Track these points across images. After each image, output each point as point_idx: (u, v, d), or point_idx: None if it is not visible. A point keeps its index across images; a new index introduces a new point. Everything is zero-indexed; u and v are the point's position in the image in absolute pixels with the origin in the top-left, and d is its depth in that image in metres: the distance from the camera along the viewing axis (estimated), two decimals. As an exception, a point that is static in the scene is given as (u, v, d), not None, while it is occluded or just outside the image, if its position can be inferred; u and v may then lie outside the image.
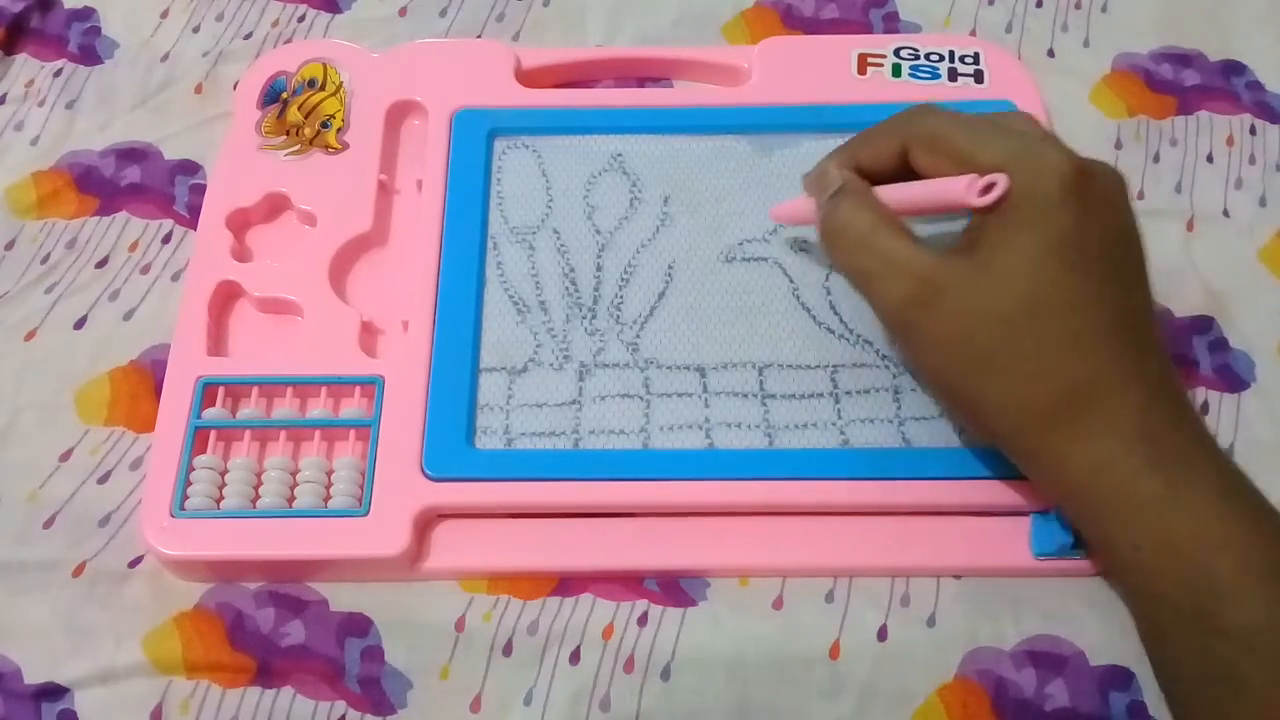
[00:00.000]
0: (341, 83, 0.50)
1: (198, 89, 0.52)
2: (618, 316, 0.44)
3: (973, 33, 0.54)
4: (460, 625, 0.40)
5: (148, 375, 0.45)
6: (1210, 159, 0.50)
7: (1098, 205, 0.35)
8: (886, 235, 0.37)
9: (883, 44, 0.51)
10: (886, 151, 0.39)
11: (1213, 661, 0.32)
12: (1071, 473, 0.35)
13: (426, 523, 0.41)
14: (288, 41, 0.54)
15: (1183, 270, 0.47)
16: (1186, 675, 0.34)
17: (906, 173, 0.39)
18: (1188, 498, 0.33)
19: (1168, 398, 0.35)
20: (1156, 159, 0.50)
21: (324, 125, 0.49)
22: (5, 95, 0.52)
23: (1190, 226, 0.48)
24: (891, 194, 0.38)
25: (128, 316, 0.46)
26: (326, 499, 0.41)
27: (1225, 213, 0.49)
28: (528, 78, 0.50)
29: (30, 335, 0.46)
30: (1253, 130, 0.51)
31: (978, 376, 0.35)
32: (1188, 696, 0.34)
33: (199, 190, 0.49)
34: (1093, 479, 0.34)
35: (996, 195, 0.35)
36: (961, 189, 0.35)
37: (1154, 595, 0.34)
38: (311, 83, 0.50)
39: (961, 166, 0.36)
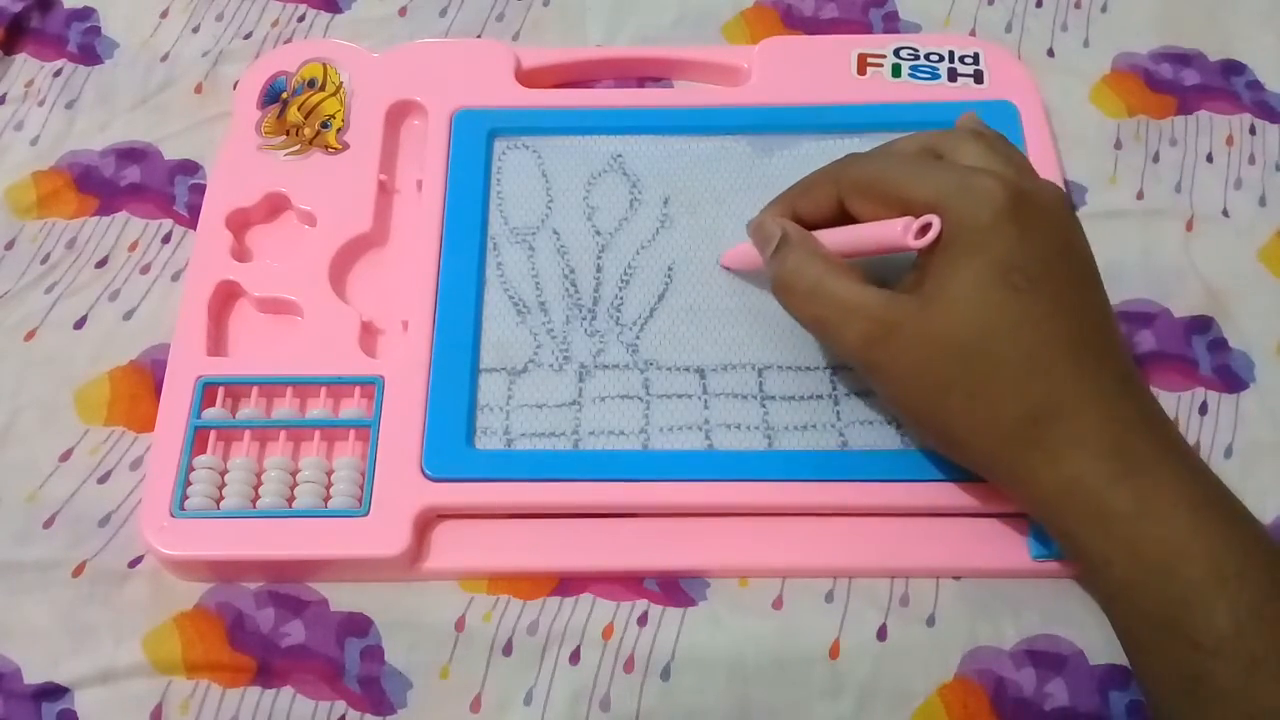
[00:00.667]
0: (341, 83, 0.50)
1: (198, 89, 0.52)
2: (617, 317, 0.44)
3: (973, 33, 0.54)
4: (460, 625, 0.40)
5: (148, 375, 0.45)
6: (1210, 159, 0.50)
7: (1035, 223, 0.35)
8: (835, 281, 0.37)
9: (883, 44, 0.51)
10: (824, 201, 0.40)
11: (1187, 670, 0.33)
12: (1042, 490, 0.35)
13: (426, 523, 0.41)
14: (288, 41, 0.54)
15: (1182, 270, 0.47)
16: (1163, 683, 0.34)
17: (845, 220, 0.39)
18: (1157, 510, 0.33)
19: (1134, 407, 0.35)
20: (1156, 159, 0.50)
21: (324, 125, 0.49)
22: (5, 95, 0.52)
23: (1190, 226, 0.48)
24: (832, 239, 0.39)
25: (128, 316, 0.46)
26: (326, 499, 0.41)
27: (1225, 212, 0.49)
28: (528, 78, 0.50)
29: (30, 335, 0.46)
30: (1252, 130, 0.51)
31: (942, 405, 0.36)
32: (1165, 703, 0.34)
33: (199, 190, 0.49)
34: (1062, 495, 0.35)
35: (933, 236, 0.35)
36: (898, 232, 0.36)
37: (1127, 606, 0.34)
38: (311, 83, 0.50)
39: (897, 209, 0.37)
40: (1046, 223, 0.36)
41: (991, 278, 0.35)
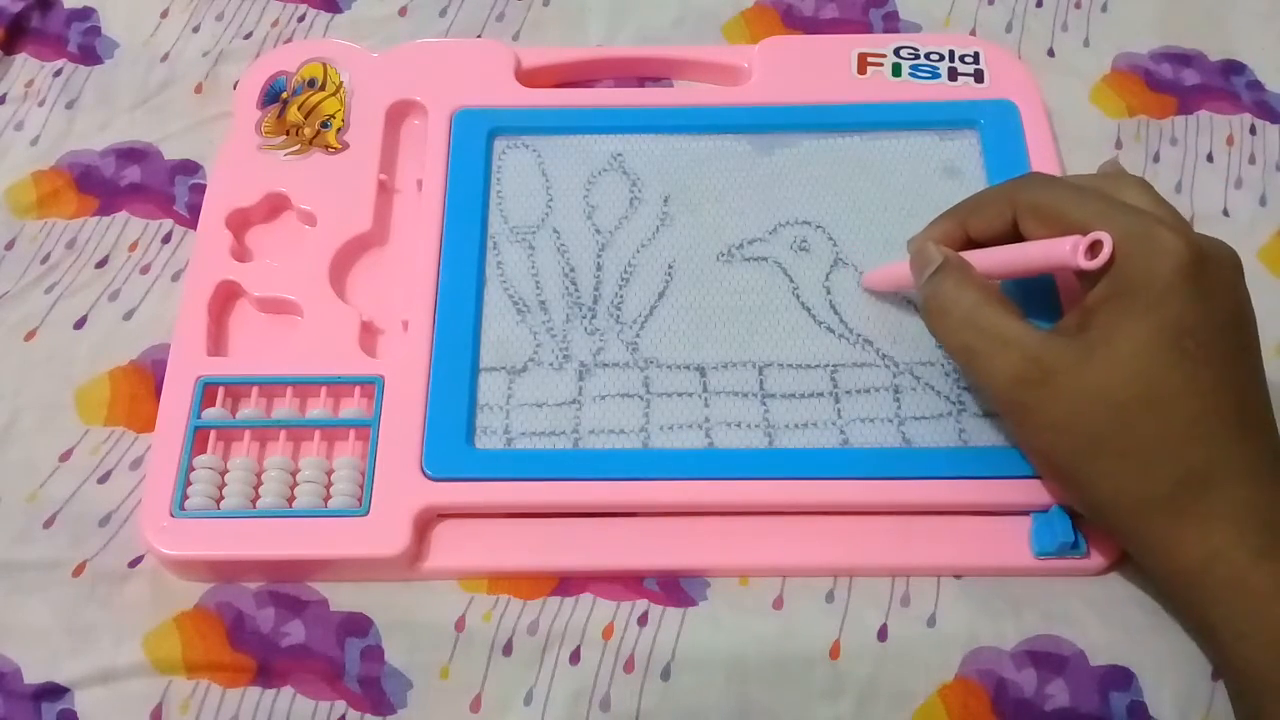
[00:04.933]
0: (341, 82, 0.50)
1: (198, 89, 0.52)
2: (618, 316, 0.44)
3: (973, 32, 0.54)
4: (460, 625, 0.40)
5: (148, 375, 0.45)
6: (1210, 159, 0.50)
7: (1213, 289, 0.34)
8: (993, 311, 0.37)
9: (883, 44, 0.51)
10: (997, 220, 0.39)
11: None
12: (1181, 559, 0.34)
13: (426, 523, 0.41)
14: (288, 41, 0.54)
15: (1183, 270, 0.47)
16: None
17: (1013, 240, 0.39)
18: None
19: None
20: (1156, 159, 0.50)
21: (324, 125, 0.49)
22: (5, 95, 0.52)
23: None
24: (992, 256, 0.38)
25: (128, 316, 0.46)
26: (326, 499, 0.41)
27: (1225, 212, 0.48)
28: (528, 77, 0.50)
29: (30, 335, 0.46)
30: (1253, 130, 0.51)
31: (1089, 461, 0.35)
32: None
33: (199, 190, 0.49)
34: (1203, 567, 0.34)
35: (1104, 258, 0.34)
36: (1066, 251, 0.35)
37: (1257, 681, 0.34)
38: (311, 82, 0.50)
39: None
40: (1223, 287, 0.35)
41: (1163, 338, 0.34)
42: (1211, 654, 0.38)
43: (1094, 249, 0.35)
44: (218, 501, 0.41)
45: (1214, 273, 0.35)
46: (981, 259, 0.39)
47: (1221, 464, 0.34)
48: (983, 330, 0.37)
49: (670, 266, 0.45)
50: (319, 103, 0.49)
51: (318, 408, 0.42)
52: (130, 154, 0.50)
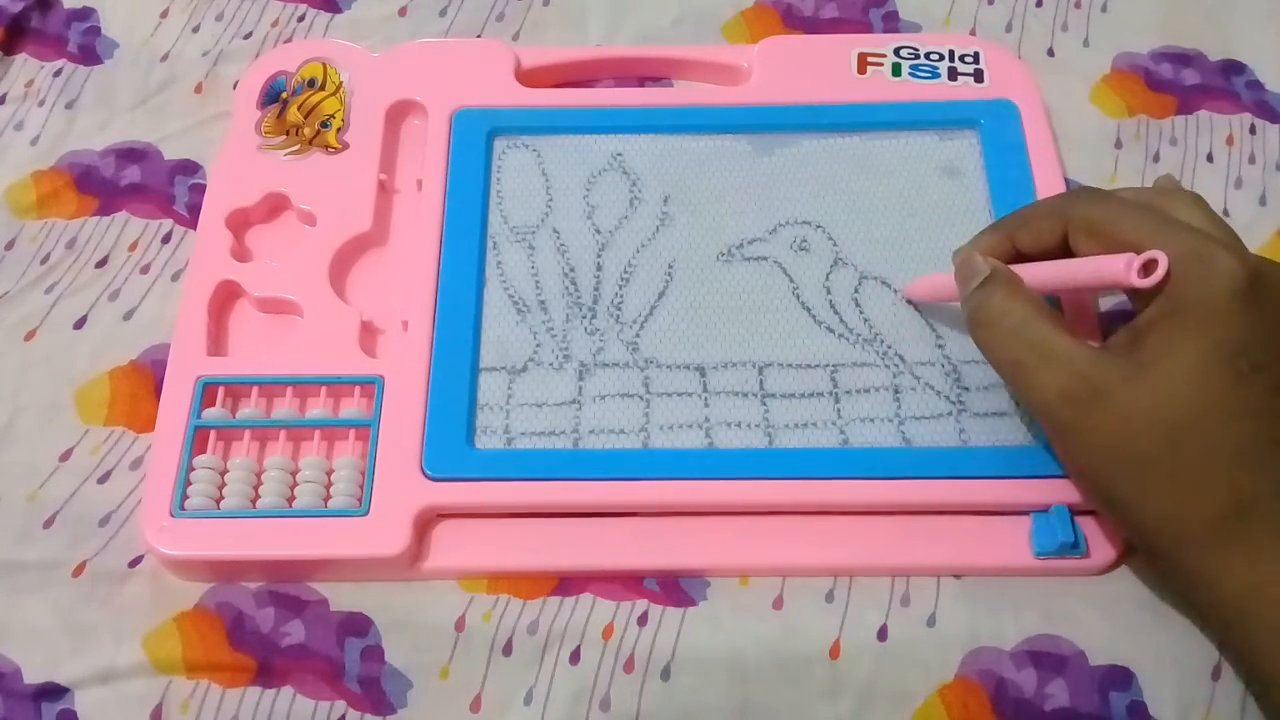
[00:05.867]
0: (341, 82, 0.50)
1: (198, 89, 0.52)
2: (618, 316, 0.44)
3: (973, 32, 0.54)
4: (460, 625, 0.40)
5: (148, 375, 0.45)
6: (1210, 158, 0.50)
7: (1268, 308, 0.34)
8: (1042, 325, 0.36)
9: (882, 43, 0.51)
10: (1047, 234, 0.38)
11: None
12: (1228, 587, 0.34)
13: (426, 523, 0.41)
14: (287, 41, 0.54)
15: (1183, 270, 0.47)
16: None
17: (1062, 255, 0.38)
18: None
19: None
20: (1156, 159, 0.50)
21: (324, 125, 0.49)
22: (5, 95, 0.52)
23: (1190, 226, 0.48)
24: (1042, 271, 0.38)
25: (128, 316, 0.46)
26: (326, 499, 0.41)
27: (1225, 212, 0.48)
28: (528, 77, 0.50)
29: (30, 335, 0.46)
30: (1253, 130, 0.51)
31: (1136, 483, 0.34)
32: None
33: (199, 190, 0.49)
34: (1251, 595, 0.34)
35: (1159, 277, 0.34)
36: (1120, 269, 0.34)
37: None
38: (311, 82, 0.50)
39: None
40: (1278, 308, 0.34)
41: (1217, 359, 0.33)
42: (1255, 686, 0.37)
43: (1148, 267, 0.34)
44: (218, 501, 0.41)
45: (1269, 294, 0.34)
46: (1031, 273, 0.38)
47: (1270, 490, 0.33)
48: (1031, 345, 0.36)
49: (670, 266, 0.45)
50: (319, 103, 0.49)
51: (318, 408, 0.42)
52: (130, 154, 0.50)
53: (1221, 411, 0.33)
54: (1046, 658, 0.39)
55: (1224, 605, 0.34)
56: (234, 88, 0.51)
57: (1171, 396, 0.33)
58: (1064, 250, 0.38)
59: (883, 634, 0.39)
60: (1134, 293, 0.36)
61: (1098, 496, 0.37)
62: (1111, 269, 0.35)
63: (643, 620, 0.40)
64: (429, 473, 0.40)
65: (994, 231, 0.40)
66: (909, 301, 0.44)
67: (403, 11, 0.55)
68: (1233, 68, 0.53)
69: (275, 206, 0.47)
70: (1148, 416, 0.34)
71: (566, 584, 0.40)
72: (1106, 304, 0.44)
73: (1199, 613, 0.38)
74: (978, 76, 0.49)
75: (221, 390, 0.42)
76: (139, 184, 0.50)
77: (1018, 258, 0.39)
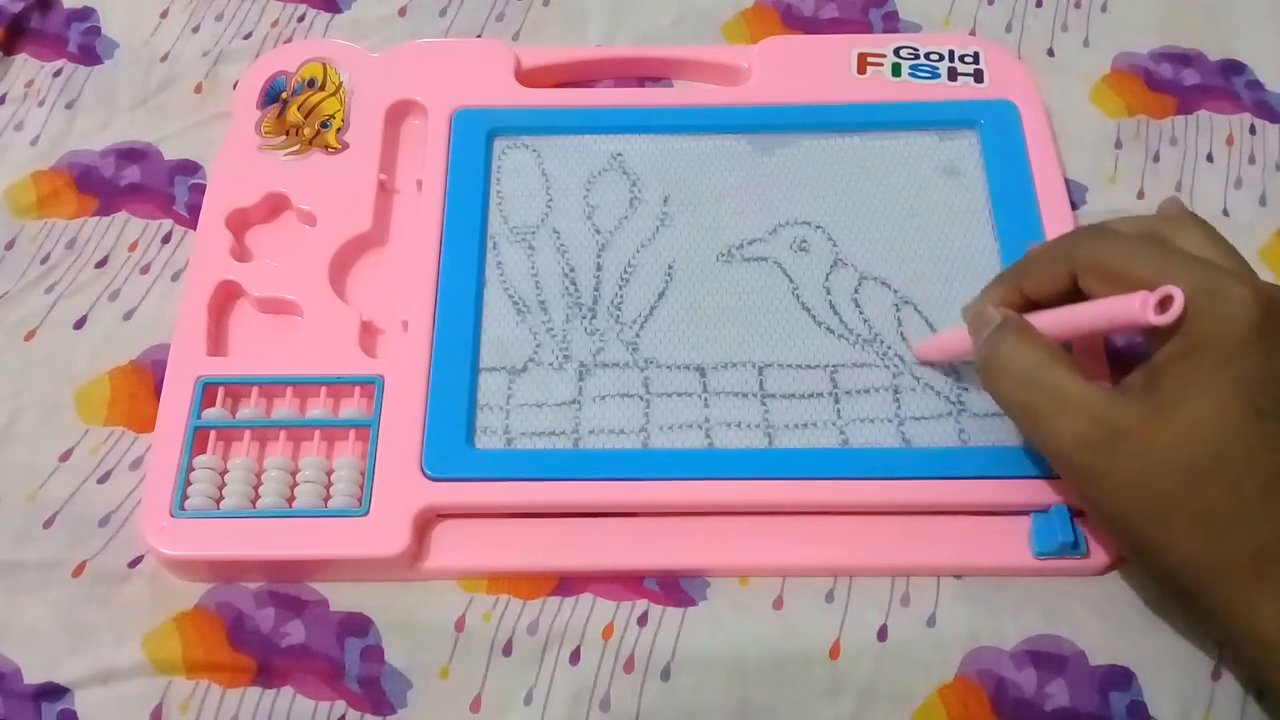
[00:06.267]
0: (341, 82, 0.50)
1: (197, 89, 0.52)
2: (617, 316, 0.44)
3: (973, 32, 0.54)
4: (460, 625, 0.40)
5: (148, 375, 0.45)
6: (1210, 158, 0.50)
7: None
8: (1056, 370, 0.35)
9: (882, 44, 0.51)
10: (1055, 279, 0.37)
11: None
12: (1259, 625, 0.33)
13: (426, 523, 0.41)
14: (287, 41, 0.54)
15: (1183, 270, 0.47)
16: None
17: (1074, 299, 0.37)
18: None
19: None
20: (1156, 158, 0.50)
21: (324, 125, 0.49)
22: (5, 95, 0.52)
23: (1190, 226, 0.48)
24: (1056, 317, 0.37)
25: (128, 316, 0.46)
26: (326, 499, 0.41)
27: (1225, 212, 0.48)
28: (528, 77, 0.50)
29: (30, 335, 0.46)
30: (1252, 130, 0.51)
31: (1160, 526, 0.34)
32: None
33: (199, 190, 0.49)
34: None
35: (1176, 313, 0.33)
36: (1135, 308, 0.33)
37: None
38: (311, 82, 0.50)
39: None
40: None
41: (1236, 396, 0.33)
42: None
43: (1164, 304, 0.33)
44: (218, 501, 0.41)
45: None
46: (1044, 320, 0.37)
47: None
48: (1045, 389, 0.35)
49: (670, 267, 0.45)
50: (319, 103, 0.49)
51: (317, 408, 0.42)
52: (130, 154, 0.50)
53: (1243, 450, 0.33)
54: (1046, 658, 0.39)
55: (1253, 639, 0.34)
56: (234, 88, 0.51)
57: (1193, 437, 0.33)
58: (1075, 294, 0.37)
59: (883, 634, 0.39)
60: (1151, 332, 0.35)
61: (1121, 540, 0.37)
62: (1126, 309, 0.34)
63: (643, 620, 0.40)
64: (429, 473, 0.40)
65: (1000, 283, 0.40)
66: (922, 362, 0.43)
67: (403, 11, 0.55)
68: (1233, 68, 0.53)
69: (275, 206, 0.47)
70: (1167, 458, 0.33)
71: (566, 584, 0.40)
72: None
73: (1227, 644, 0.37)
74: (978, 77, 0.49)
75: (221, 390, 0.42)
76: (139, 184, 0.50)
77: (1029, 306, 0.38)
